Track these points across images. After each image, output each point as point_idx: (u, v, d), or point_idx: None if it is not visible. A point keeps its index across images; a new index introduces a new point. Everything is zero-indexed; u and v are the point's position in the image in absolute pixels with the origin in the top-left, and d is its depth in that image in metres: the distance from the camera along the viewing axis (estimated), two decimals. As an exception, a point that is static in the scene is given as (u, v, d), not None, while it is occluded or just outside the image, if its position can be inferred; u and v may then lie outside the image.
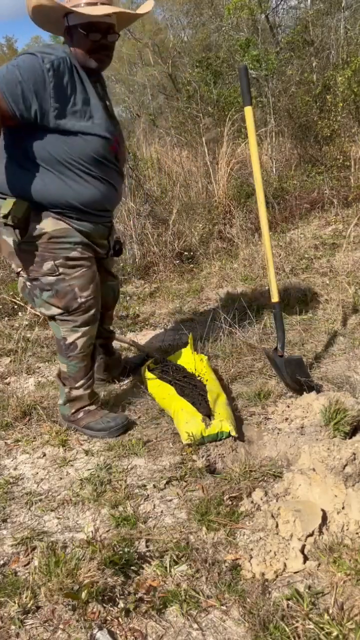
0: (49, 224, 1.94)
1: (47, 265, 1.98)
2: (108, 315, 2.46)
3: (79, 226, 1.99)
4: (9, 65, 1.75)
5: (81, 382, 2.18)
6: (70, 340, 2.10)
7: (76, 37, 1.85)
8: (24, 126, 1.81)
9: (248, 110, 2.17)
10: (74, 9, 1.78)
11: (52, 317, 2.09)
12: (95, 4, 1.81)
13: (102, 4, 1.81)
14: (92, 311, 2.09)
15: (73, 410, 2.21)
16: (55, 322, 2.10)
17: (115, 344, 3.07)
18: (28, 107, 1.75)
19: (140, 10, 2.00)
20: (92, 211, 2.01)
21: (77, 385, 2.18)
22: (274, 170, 5.87)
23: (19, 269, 2.04)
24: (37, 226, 1.94)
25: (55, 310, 2.05)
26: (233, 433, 1.96)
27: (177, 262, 4.37)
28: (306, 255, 4.24)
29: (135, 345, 2.95)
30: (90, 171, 1.93)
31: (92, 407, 2.23)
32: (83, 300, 2.04)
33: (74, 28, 1.84)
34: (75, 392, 2.19)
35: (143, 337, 3.20)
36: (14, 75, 1.72)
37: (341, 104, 6.06)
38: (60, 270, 1.98)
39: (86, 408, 2.22)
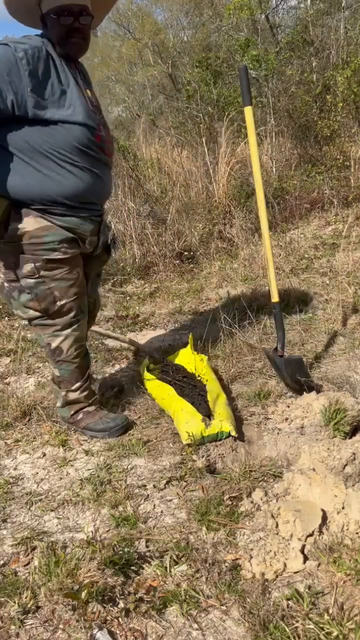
0: (30, 223, 1.86)
1: (27, 267, 1.90)
2: (91, 315, 2.33)
3: (62, 222, 1.90)
4: None
5: (77, 384, 2.14)
6: (54, 345, 2.04)
7: (50, 24, 1.80)
8: (1, 119, 1.74)
9: (248, 110, 2.17)
10: None
11: (29, 321, 2.01)
12: None
13: None
14: (73, 313, 2.01)
15: (72, 412, 2.19)
16: (34, 327, 2.03)
17: (115, 343, 3.07)
18: (4, 98, 1.69)
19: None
20: (77, 204, 1.92)
21: (73, 387, 2.14)
22: (274, 170, 5.87)
23: None
24: (18, 225, 1.85)
25: (32, 314, 1.98)
26: (233, 433, 1.96)
27: (177, 262, 4.37)
28: (306, 255, 4.24)
29: (134, 344, 2.96)
30: (73, 161, 1.85)
31: (91, 408, 2.20)
32: (63, 303, 1.97)
33: (46, 15, 1.80)
34: (72, 395, 2.15)
35: (143, 337, 3.20)
36: None
37: (341, 104, 6.06)
38: (41, 272, 1.91)
39: (85, 409, 2.19)
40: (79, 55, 1.90)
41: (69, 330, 2.03)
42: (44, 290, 1.93)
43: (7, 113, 1.72)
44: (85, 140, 1.85)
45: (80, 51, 1.89)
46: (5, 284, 1.96)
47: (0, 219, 1.81)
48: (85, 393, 2.17)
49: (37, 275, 1.91)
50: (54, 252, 1.91)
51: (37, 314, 1.97)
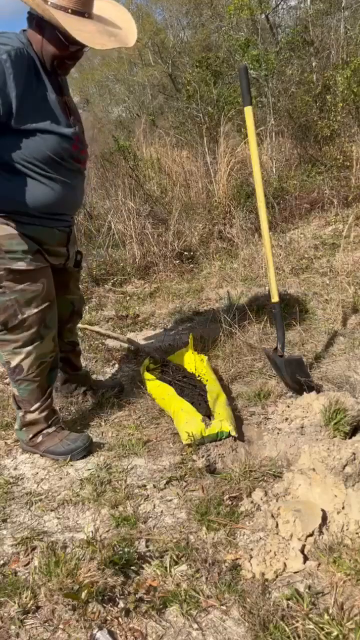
0: None
1: None
2: (67, 329, 2.24)
3: (28, 231, 1.80)
4: None
5: (36, 405, 2.00)
6: (14, 363, 1.91)
7: (50, 36, 1.66)
8: None
9: (248, 110, 2.17)
10: (67, 28, 1.59)
11: None
12: (82, 14, 1.67)
13: (88, 15, 1.68)
14: (34, 329, 1.88)
15: (31, 435, 2.04)
16: None
17: (115, 343, 3.07)
18: None
19: (128, 43, 1.82)
20: (45, 215, 1.83)
21: (31, 408, 2.00)
22: (274, 170, 5.87)
23: None
24: None
25: None
26: (233, 433, 1.96)
27: (177, 262, 4.37)
28: (306, 255, 4.24)
29: (134, 344, 2.95)
30: (45, 172, 1.76)
31: (51, 430, 2.06)
32: (25, 316, 1.85)
33: (50, 26, 1.64)
34: (30, 416, 2.02)
35: (143, 337, 3.20)
36: None
37: (341, 104, 6.06)
38: (2, 282, 1.79)
39: (44, 431, 2.05)
40: (65, 74, 1.83)
41: (30, 348, 1.90)
42: (4, 302, 1.81)
43: None
44: (60, 151, 1.77)
45: (68, 72, 1.83)
46: None
47: None
48: (44, 414, 2.03)
49: None
50: (17, 262, 1.80)
51: None
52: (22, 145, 1.69)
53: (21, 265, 1.80)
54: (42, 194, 1.79)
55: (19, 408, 2.03)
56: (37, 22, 1.68)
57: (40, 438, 2.05)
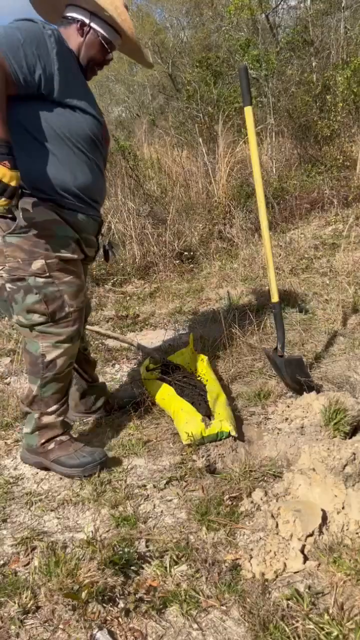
0: (39, 213, 1.71)
1: (37, 263, 1.73)
2: (85, 319, 2.16)
3: (69, 217, 1.78)
4: (5, 28, 1.61)
5: (54, 407, 1.90)
6: (50, 357, 1.83)
7: (91, 42, 1.82)
8: (23, 96, 1.64)
9: (248, 110, 2.17)
10: (124, 27, 1.80)
11: (31, 328, 1.81)
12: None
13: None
14: (77, 325, 1.86)
15: (43, 440, 1.91)
16: (33, 334, 1.82)
17: (115, 343, 3.07)
18: (32, 72, 1.61)
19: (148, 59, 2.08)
20: (86, 198, 1.81)
21: (49, 410, 1.89)
22: (274, 170, 5.87)
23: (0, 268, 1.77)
24: (26, 215, 1.69)
25: (36, 319, 1.79)
26: (233, 433, 1.96)
27: (177, 262, 4.38)
28: (306, 255, 4.24)
29: (134, 344, 2.95)
30: (86, 152, 1.78)
31: (65, 438, 1.94)
32: (72, 309, 1.82)
33: (94, 32, 1.81)
34: (46, 419, 1.90)
35: (143, 337, 3.20)
36: (14, 38, 1.58)
37: (341, 104, 6.07)
38: (51, 272, 1.76)
39: (58, 438, 1.92)
40: (88, 80, 1.91)
41: (69, 345, 1.85)
42: (53, 292, 1.78)
43: (33, 87, 1.64)
44: (97, 132, 1.83)
45: (90, 78, 1.92)
46: (8, 286, 1.77)
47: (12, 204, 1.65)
48: (61, 418, 1.94)
49: (47, 274, 1.75)
50: (65, 249, 1.78)
51: (41, 319, 1.79)
52: (66, 119, 1.73)
53: (68, 253, 1.79)
54: (83, 174, 1.79)
55: (32, 409, 1.90)
56: (81, 25, 1.81)
57: (52, 445, 1.92)
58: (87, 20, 1.81)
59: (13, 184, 1.55)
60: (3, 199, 1.55)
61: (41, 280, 1.75)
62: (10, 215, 1.69)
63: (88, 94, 1.83)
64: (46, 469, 1.96)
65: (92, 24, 1.81)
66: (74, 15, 1.82)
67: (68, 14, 1.83)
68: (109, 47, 1.85)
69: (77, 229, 1.83)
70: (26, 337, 1.86)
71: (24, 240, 1.72)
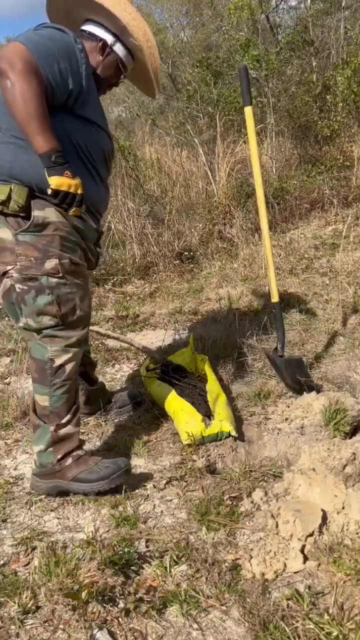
0: (52, 214, 1.67)
1: (52, 263, 1.67)
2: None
3: (77, 224, 1.74)
4: (39, 37, 1.58)
5: (68, 417, 1.80)
6: (58, 362, 1.75)
7: (110, 63, 1.82)
8: (48, 105, 1.59)
9: (248, 110, 2.17)
10: (151, 60, 1.81)
11: (39, 331, 1.73)
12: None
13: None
14: (86, 329, 1.83)
15: (59, 456, 1.79)
16: (41, 338, 1.74)
17: (115, 343, 3.07)
18: (63, 86, 1.60)
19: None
20: (91, 209, 1.81)
21: (63, 420, 1.79)
22: (274, 170, 5.87)
23: (10, 267, 1.69)
24: (41, 214, 1.65)
25: (46, 322, 1.71)
26: (233, 433, 1.96)
27: (177, 262, 4.37)
28: (306, 255, 4.24)
29: (134, 344, 2.95)
30: (96, 165, 1.78)
31: (81, 452, 1.83)
32: (83, 313, 1.77)
33: (114, 55, 1.81)
34: (63, 430, 1.79)
35: (143, 337, 3.20)
36: (49, 50, 1.57)
37: (341, 104, 6.07)
38: (65, 273, 1.70)
39: (75, 453, 1.81)
40: (100, 94, 1.91)
41: (78, 349, 1.79)
42: (66, 294, 1.71)
43: (61, 100, 1.63)
44: (108, 149, 1.84)
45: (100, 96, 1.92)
46: (18, 286, 1.69)
47: (23, 208, 1.63)
48: (77, 428, 1.85)
49: (60, 275, 1.69)
50: (76, 253, 1.75)
51: (52, 322, 1.72)
52: (83, 132, 1.72)
53: (77, 258, 1.75)
54: (91, 186, 1.77)
55: (45, 423, 1.79)
56: (103, 45, 1.80)
57: (69, 460, 1.80)
58: (110, 42, 1.80)
59: (80, 192, 1.61)
60: (74, 208, 1.62)
61: (54, 280, 1.69)
62: (22, 214, 1.65)
63: (102, 110, 1.84)
64: (63, 494, 1.82)
65: (115, 47, 1.81)
66: (97, 33, 1.80)
67: (88, 30, 1.82)
68: (124, 70, 1.86)
69: (83, 236, 1.80)
70: (31, 341, 1.77)
71: (38, 239, 1.67)
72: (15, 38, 1.58)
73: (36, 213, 1.65)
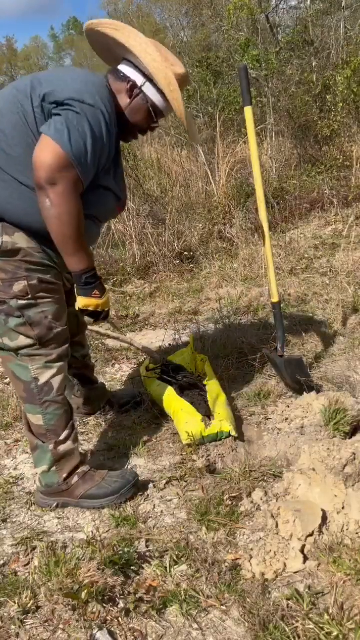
0: (22, 240, 1.63)
1: (19, 286, 1.63)
2: (77, 342, 2.10)
3: (50, 251, 1.68)
4: (81, 135, 1.49)
5: (66, 433, 1.75)
6: (43, 380, 1.70)
7: (139, 106, 1.68)
8: None
9: (248, 111, 2.17)
10: (174, 105, 1.65)
11: (16, 351, 1.69)
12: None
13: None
14: (67, 344, 1.78)
15: (64, 475, 1.75)
16: (21, 357, 1.69)
17: (115, 343, 3.07)
18: (93, 175, 1.58)
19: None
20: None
21: (62, 437, 1.74)
22: (274, 170, 5.87)
23: None
24: (10, 239, 1.61)
25: (23, 342, 1.67)
26: (233, 433, 1.96)
27: (177, 262, 4.37)
28: (306, 255, 4.24)
29: (134, 344, 2.95)
30: (98, 222, 1.77)
31: (86, 468, 1.80)
32: (59, 330, 1.72)
33: (143, 98, 1.67)
34: (63, 447, 1.74)
35: (143, 337, 3.20)
36: (82, 148, 1.50)
37: (341, 104, 6.07)
38: (33, 293, 1.66)
39: (80, 470, 1.78)
40: (126, 142, 1.84)
41: (62, 363, 1.75)
42: (37, 314, 1.67)
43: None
44: (113, 207, 1.78)
45: (129, 142, 1.84)
46: None
47: None
48: (77, 444, 1.80)
49: (29, 296, 1.65)
50: (46, 275, 1.69)
51: (29, 341, 1.68)
52: (93, 199, 1.66)
53: (50, 278, 1.70)
54: (88, 227, 1.70)
55: (43, 442, 1.75)
56: (131, 87, 1.67)
57: (75, 479, 1.76)
58: (139, 83, 1.66)
59: (107, 309, 1.73)
60: (100, 322, 1.76)
61: (23, 302, 1.65)
62: None
63: (120, 168, 1.75)
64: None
65: (144, 89, 1.66)
66: (128, 74, 1.67)
67: (122, 69, 1.69)
68: (156, 116, 1.71)
69: (56, 264, 1.73)
70: (11, 363, 1.71)
71: (5, 263, 1.63)
72: (55, 128, 1.47)
73: (5, 239, 1.61)
